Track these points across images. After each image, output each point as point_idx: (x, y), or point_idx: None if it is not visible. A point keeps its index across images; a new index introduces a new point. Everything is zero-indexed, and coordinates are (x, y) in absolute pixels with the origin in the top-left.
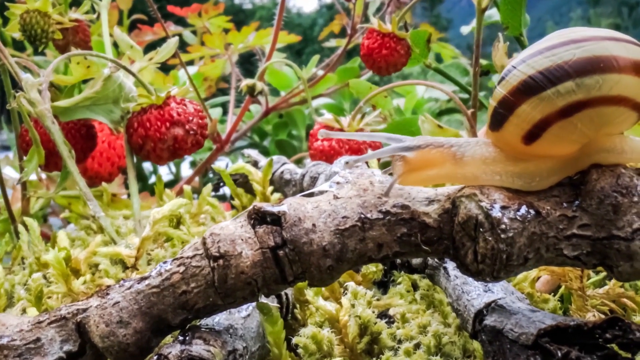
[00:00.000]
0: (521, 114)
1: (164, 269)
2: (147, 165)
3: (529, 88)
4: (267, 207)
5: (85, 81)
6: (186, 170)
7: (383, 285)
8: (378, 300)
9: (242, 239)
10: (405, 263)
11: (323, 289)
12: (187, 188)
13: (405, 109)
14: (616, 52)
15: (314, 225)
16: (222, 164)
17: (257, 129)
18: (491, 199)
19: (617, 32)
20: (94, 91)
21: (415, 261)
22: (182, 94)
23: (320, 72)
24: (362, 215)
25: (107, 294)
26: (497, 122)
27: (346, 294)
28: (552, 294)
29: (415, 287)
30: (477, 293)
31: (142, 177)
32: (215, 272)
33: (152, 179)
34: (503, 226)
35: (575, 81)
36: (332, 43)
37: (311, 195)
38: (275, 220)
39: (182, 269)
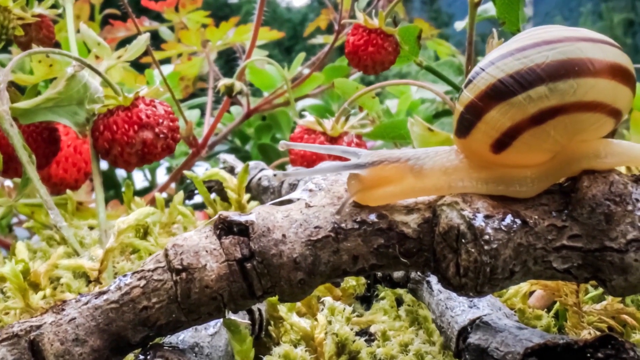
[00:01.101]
0: (490, 120)
1: (123, 282)
2: (121, 172)
3: (499, 93)
4: (234, 216)
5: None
6: (162, 176)
7: (366, 300)
8: (359, 316)
9: (206, 251)
10: (386, 277)
11: (299, 304)
12: (159, 196)
13: (398, 110)
14: (591, 54)
15: (284, 235)
16: (201, 170)
17: (238, 132)
18: (474, 207)
19: (592, 32)
20: (56, 92)
21: (397, 275)
22: (152, 95)
23: (307, 71)
24: (336, 225)
25: (63, 309)
26: (464, 128)
27: (323, 309)
28: (547, 310)
29: (400, 302)
30: (461, 309)
31: (114, 184)
32: (178, 286)
33: None
34: (486, 237)
35: (548, 86)
36: (319, 40)
37: (285, 203)
38: (243, 230)
39: (142, 282)
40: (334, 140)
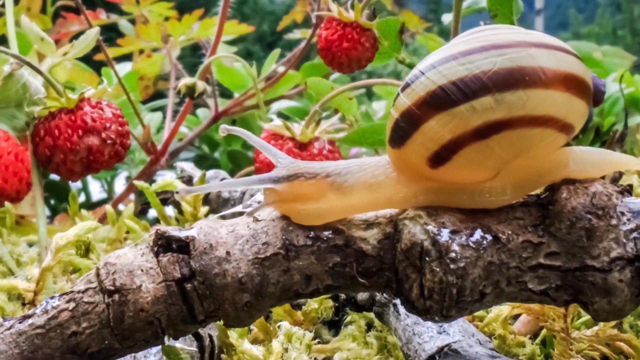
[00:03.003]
0: (428, 131)
1: (50, 305)
2: (76, 182)
3: (439, 101)
4: (173, 231)
5: None
6: (122, 187)
7: (335, 325)
8: (323, 343)
9: (142, 270)
10: (350, 299)
11: (254, 328)
12: (110, 209)
13: (386, 113)
14: (544, 63)
15: (228, 253)
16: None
17: (205, 137)
18: (439, 221)
19: (547, 37)
20: None
21: (362, 297)
22: (99, 95)
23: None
24: (287, 242)
25: None
26: (399, 138)
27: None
28: (533, 336)
29: (372, 326)
30: (429, 335)
31: (67, 196)
32: (111, 310)
33: (81, 198)
34: (452, 254)
35: (495, 96)
36: (296, 34)
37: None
38: (183, 247)
39: (71, 305)
40: (303, 146)
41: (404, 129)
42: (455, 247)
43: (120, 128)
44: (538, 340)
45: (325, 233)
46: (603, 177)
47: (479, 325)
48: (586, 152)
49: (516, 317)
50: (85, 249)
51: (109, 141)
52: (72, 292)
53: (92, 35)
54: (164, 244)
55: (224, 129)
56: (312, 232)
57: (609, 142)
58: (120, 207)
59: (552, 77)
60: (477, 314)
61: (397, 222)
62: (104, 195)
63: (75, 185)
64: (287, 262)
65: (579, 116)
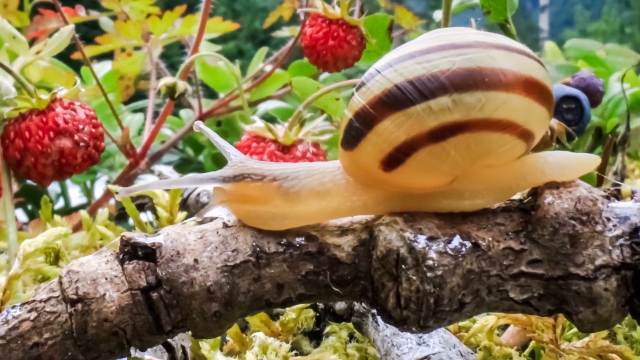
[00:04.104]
0: (382, 132)
1: (11, 315)
2: (54, 186)
3: (395, 100)
4: (139, 237)
5: None
6: (102, 191)
7: (316, 335)
8: (303, 354)
9: (106, 278)
10: (329, 309)
11: (230, 339)
12: (85, 214)
13: None
14: (505, 65)
15: (196, 260)
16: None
17: (189, 140)
18: (416, 227)
19: (509, 40)
20: None
21: (340, 306)
22: (72, 96)
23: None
24: (257, 248)
25: None
26: (352, 139)
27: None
28: (522, 348)
29: (353, 337)
30: (408, 346)
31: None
32: (73, 320)
33: (60, 203)
34: (430, 262)
35: (452, 97)
36: (285, 32)
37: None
38: (149, 254)
39: (33, 315)
40: (286, 149)
41: (358, 129)
42: (432, 254)
43: (93, 130)
44: (526, 352)
45: (298, 240)
46: None
47: (464, 336)
48: (557, 156)
49: (505, 327)
50: (55, 256)
51: (81, 144)
52: (34, 301)
53: (66, 33)
54: (130, 251)
55: (197, 126)
56: (284, 239)
57: (606, 145)
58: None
59: (513, 80)
60: (463, 324)
61: (372, 228)
62: (84, 200)
63: (54, 189)
64: (257, 270)
65: (540, 123)
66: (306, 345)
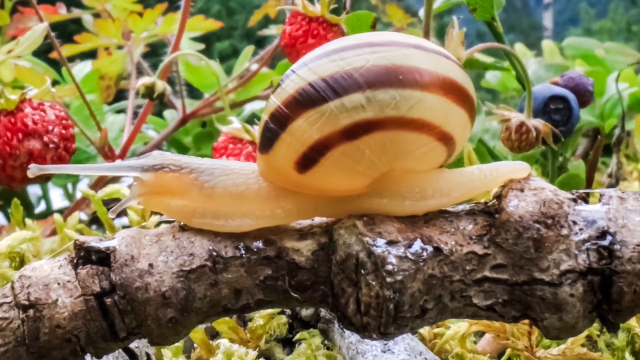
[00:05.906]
0: (296, 131)
1: None
2: (35, 189)
3: (308, 98)
4: (93, 241)
5: None
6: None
7: (290, 342)
8: None
9: (58, 283)
10: (296, 315)
11: (197, 346)
12: (58, 218)
13: None
14: (420, 64)
15: (151, 265)
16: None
17: (173, 141)
18: (376, 231)
19: (427, 41)
20: None
21: (306, 312)
22: (41, 96)
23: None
24: (214, 253)
25: None
26: (267, 141)
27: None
28: (499, 355)
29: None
30: (373, 354)
31: (26, 204)
32: (25, 326)
33: (42, 206)
34: (389, 267)
35: (366, 94)
36: (272, 30)
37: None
38: (103, 259)
39: None
40: None
41: (272, 130)
42: (392, 259)
43: (64, 131)
44: (504, 359)
45: (256, 244)
46: None
47: (437, 343)
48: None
49: (483, 334)
50: (20, 261)
51: (51, 145)
52: None
53: (39, 31)
54: (84, 256)
55: (31, 172)
56: (241, 243)
57: (595, 146)
58: (82, 216)
59: (429, 79)
60: (438, 331)
61: (332, 232)
62: (66, 203)
63: (36, 192)
64: (214, 274)
65: (459, 126)
66: (279, 353)
